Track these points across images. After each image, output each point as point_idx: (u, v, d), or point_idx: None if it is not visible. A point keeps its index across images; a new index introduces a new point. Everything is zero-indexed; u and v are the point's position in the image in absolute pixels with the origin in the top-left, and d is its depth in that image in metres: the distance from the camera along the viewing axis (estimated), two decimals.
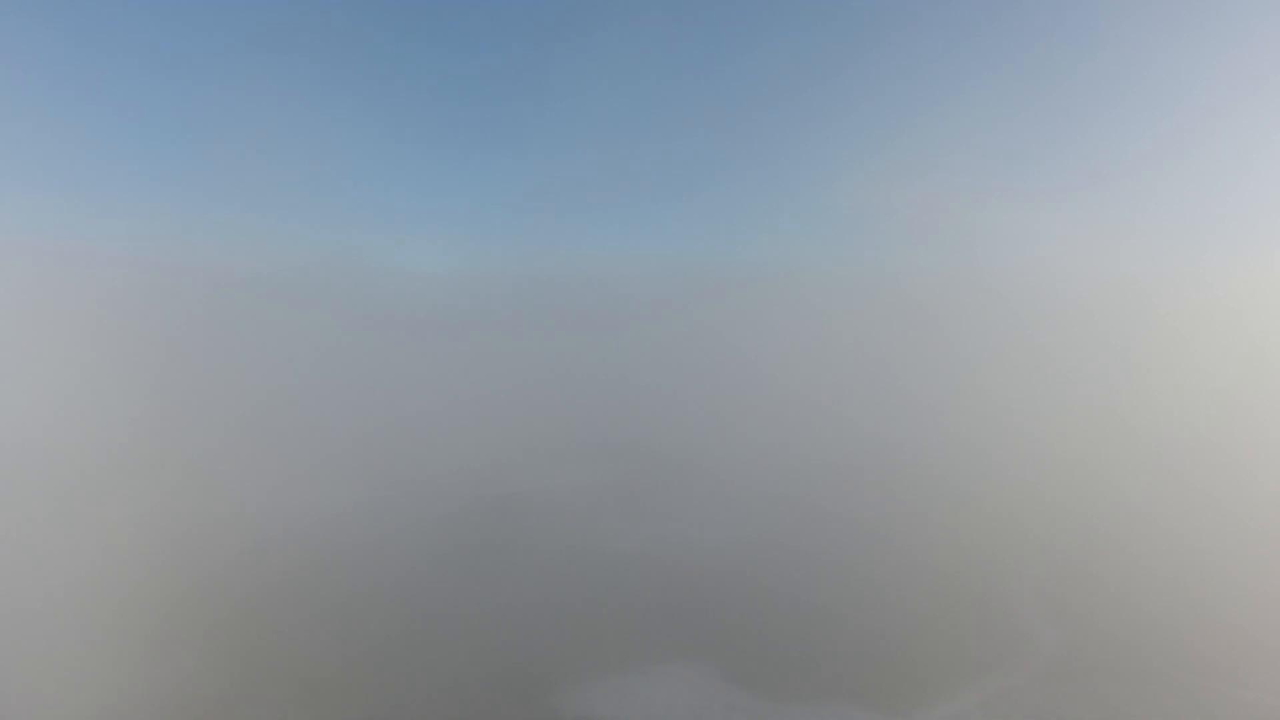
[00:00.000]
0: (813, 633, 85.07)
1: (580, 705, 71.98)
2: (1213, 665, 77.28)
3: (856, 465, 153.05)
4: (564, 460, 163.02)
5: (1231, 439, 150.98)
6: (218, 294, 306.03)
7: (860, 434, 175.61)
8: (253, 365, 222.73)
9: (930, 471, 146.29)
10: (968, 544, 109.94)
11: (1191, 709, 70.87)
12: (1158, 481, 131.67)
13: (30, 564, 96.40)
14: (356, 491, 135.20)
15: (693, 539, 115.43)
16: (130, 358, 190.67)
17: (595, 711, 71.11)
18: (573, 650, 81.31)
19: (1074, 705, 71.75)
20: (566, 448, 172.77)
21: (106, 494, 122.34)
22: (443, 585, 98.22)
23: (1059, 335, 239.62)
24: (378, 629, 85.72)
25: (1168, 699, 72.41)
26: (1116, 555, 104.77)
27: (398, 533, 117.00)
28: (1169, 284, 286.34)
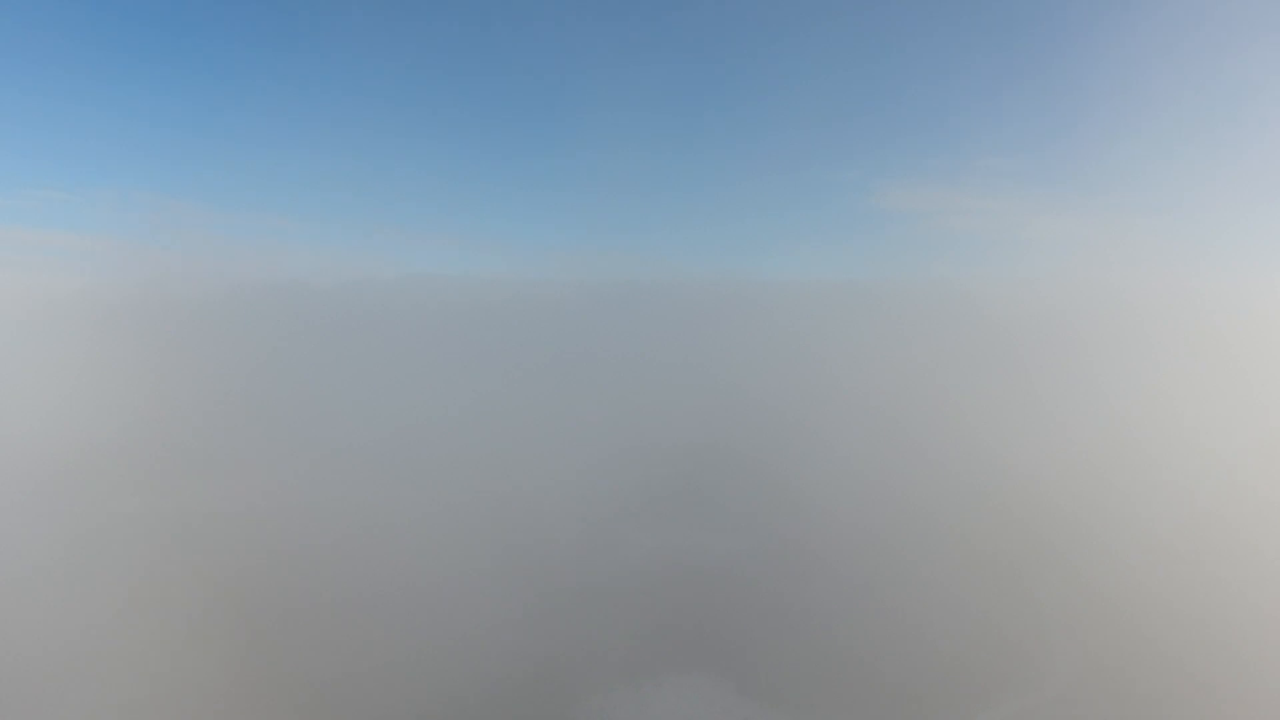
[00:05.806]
0: (829, 646, 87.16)
1: (600, 715, 75.30)
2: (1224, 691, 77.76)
3: (898, 477, 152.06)
4: (595, 465, 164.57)
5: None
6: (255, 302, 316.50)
7: (894, 444, 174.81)
8: (315, 370, 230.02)
9: (963, 483, 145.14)
10: (993, 561, 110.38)
11: None
12: (1181, 499, 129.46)
13: (45, 562, 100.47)
14: (377, 493, 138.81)
15: (719, 546, 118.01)
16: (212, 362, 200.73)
17: None
18: (598, 657, 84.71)
19: None
20: (603, 452, 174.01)
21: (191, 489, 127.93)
22: (484, 589, 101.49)
23: (1103, 347, 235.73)
24: (399, 635, 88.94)
25: None
26: (1134, 576, 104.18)
27: (424, 534, 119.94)
28: (1208, 294, 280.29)
